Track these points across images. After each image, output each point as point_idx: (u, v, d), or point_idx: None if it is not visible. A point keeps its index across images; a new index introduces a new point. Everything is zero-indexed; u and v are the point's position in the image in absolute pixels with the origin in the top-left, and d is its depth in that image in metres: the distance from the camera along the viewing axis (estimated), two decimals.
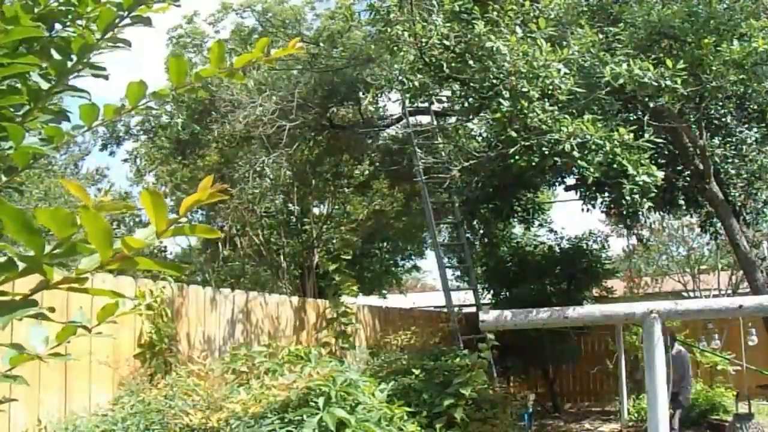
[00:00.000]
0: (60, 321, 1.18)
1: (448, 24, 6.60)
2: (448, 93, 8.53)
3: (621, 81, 5.93)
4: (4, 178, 1.32)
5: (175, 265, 1.16)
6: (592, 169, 5.88)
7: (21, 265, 0.99)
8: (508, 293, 11.97)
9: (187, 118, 11.12)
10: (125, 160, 14.14)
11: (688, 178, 8.86)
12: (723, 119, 8.92)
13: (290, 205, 12.77)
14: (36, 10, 1.29)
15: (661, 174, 6.06)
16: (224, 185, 0.97)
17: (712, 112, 8.63)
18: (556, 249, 12.16)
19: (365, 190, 13.39)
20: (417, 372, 7.08)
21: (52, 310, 1.07)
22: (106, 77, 1.41)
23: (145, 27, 1.37)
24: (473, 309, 10.17)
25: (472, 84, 6.62)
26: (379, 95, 10.51)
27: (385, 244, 15.08)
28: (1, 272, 0.99)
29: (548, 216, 12.85)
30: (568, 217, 41.39)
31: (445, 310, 10.07)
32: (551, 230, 12.71)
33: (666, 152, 8.61)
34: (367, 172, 12.92)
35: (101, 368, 5.55)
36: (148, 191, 0.96)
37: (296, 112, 9.71)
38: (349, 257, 8.84)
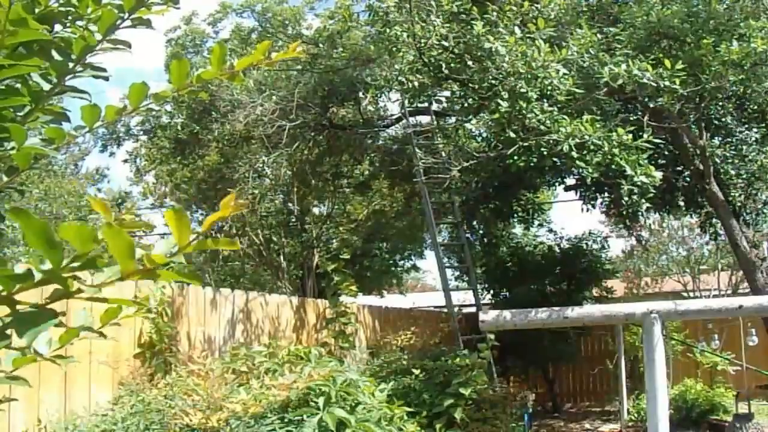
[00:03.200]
0: (63, 323, 1.19)
1: (447, 25, 6.60)
2: (448, 93, 8.53)
3: (620, 81, 5.93)
4: (5, 179, 1.32)
5: (194, 275, 1.18)
6: (590, 170, 5.89)
7: (37, 276, 1.00)
8: (507, 293, 11.98)
9: (187, 118, 11.11)
10: (125, 161, 14.12)
11: (688, 179, 8.87)
12: (723, 119, 8.92)
13: (290, 205, 12.76)
14: (36, 11, 1.30)
15: (659, 175, 6.06)
16: (247, 200, 1.00)
17: (712, 112, 8.63)
18: (556, 249, 12.17)
19: (365, 190, 13.38)
20: (417, 372, 7.08)
21: (62, 314, 1.08)
22: (106, 78, 1.41)
23: (146, 28, 1.38)
24: (473, 309, 10.17)
25: (471, 84, 6.62)
26: (378, 95, 10.49)
27: (385, 244, 15.07)
28: (19, 282, 1.00)
29: (548, 216, 12.87)
30: (568, 217, 41.41)
31: (445, 310, 10.06)
32: (551, 230, 12.74)
33: (666, 153, 8.62)
34: (367, 172, 12.91)
35: (101, 368, 5.56)
36: (174, 210, 1.00)
37: (296, 112, 9.71)
38: (348, 257, 8.84)
